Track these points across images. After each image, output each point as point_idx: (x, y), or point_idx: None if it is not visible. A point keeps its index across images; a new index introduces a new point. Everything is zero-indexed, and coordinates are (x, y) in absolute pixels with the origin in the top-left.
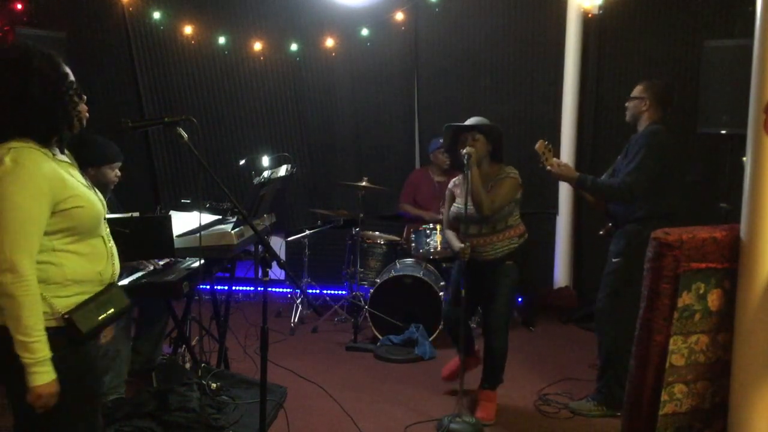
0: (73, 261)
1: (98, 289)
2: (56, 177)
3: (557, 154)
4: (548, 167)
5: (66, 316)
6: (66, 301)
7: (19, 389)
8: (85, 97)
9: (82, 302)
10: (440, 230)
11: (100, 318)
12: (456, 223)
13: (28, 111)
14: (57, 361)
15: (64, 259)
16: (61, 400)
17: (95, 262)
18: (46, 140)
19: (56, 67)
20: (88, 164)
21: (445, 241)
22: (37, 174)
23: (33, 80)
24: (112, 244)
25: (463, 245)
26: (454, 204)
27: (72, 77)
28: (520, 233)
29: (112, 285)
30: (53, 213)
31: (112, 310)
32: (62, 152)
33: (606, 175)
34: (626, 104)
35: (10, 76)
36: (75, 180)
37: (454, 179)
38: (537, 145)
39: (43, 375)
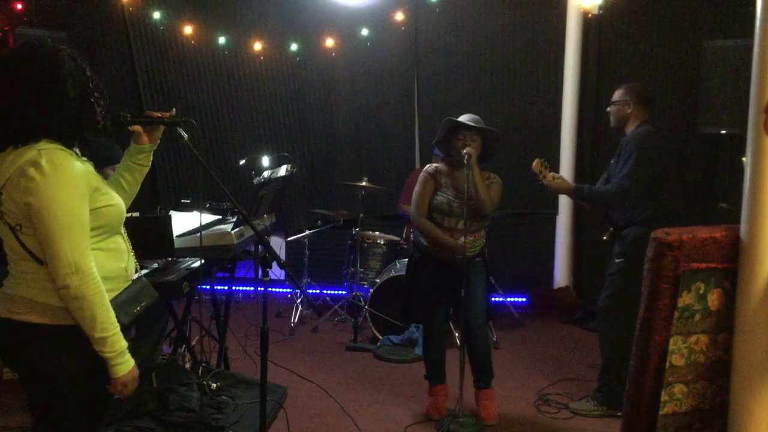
0: (101, 258)
1: (124, 285)
2: (89, 175)
3: (557, 154)
4: (546, 184)
5: None
6: None
7: (54, 385)
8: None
9: (117, 296)
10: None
11: (135, 311)
12: (439, 215)
13: (60, 111)
14: (89, 353)
15: (95, 256)
16: (85, 394)
17: (119, 259)
18: (71, 142)
19: (83, 68)
20: None
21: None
22: (76, 173)
23: (66, 80)
24: (128, 240)
25: (460, 242)
26: (444, 195)
27: (96, 78)
28: (485, 233)
29: (138, 279)
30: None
31: (145, 302)
32: (83, 154)
33: (601, 181)
34: (608, 110)
35: (42, 76)
36: (102, 179)
37: (433, 166)
38: (534, 165)
39: (125, 364)
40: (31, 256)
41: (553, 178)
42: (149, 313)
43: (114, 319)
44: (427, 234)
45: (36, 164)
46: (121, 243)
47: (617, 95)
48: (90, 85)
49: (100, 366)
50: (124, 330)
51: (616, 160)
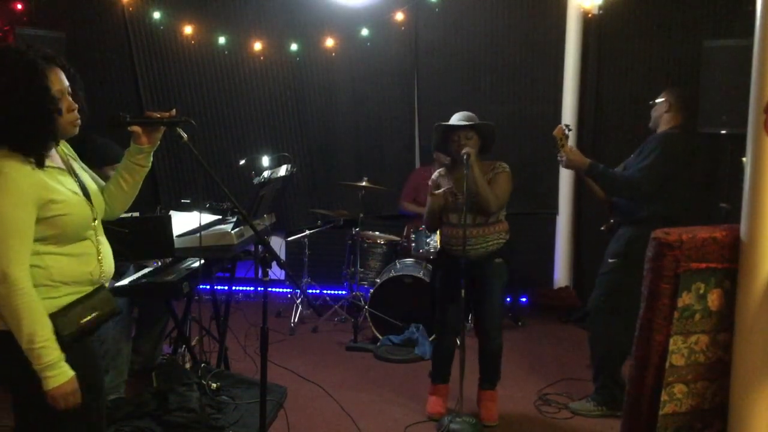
0: (60, 262)
1: (89, 288)
2: (39, 184)
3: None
4: (563, 153)
5: None
6: (57, 302)
7: (22, 393)
8: (75, 106)
9: (69, 304)
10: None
11: (82, 321)
12: (444, 213)
13: (7, 121)
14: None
15: (50, 260)
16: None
17: (85, 263)
18: (28, 151)
19: (34, 80)
20: (88, 165)
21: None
22: (20, 181)
23: (12, 90)
24: (103, 243)
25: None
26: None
27: (56, 89)
28: (506, 229)
29: (101, 288)
30: (37, 220)
31: (96, 314)
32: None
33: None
34: (651, 102)
35: None
36: (62, 187)
37: (438, 171)
38: (556, 130)
39: (56, 378)
40: None
41: (571, 150)
42: (99, 324)
43: (44, 332)
44: (429, 211)
45: None
46: (89, 248)
47: (660, 96)
48: (43, 97)
49: (78, 372)
50: (71, 339)
51: (637, 154)
